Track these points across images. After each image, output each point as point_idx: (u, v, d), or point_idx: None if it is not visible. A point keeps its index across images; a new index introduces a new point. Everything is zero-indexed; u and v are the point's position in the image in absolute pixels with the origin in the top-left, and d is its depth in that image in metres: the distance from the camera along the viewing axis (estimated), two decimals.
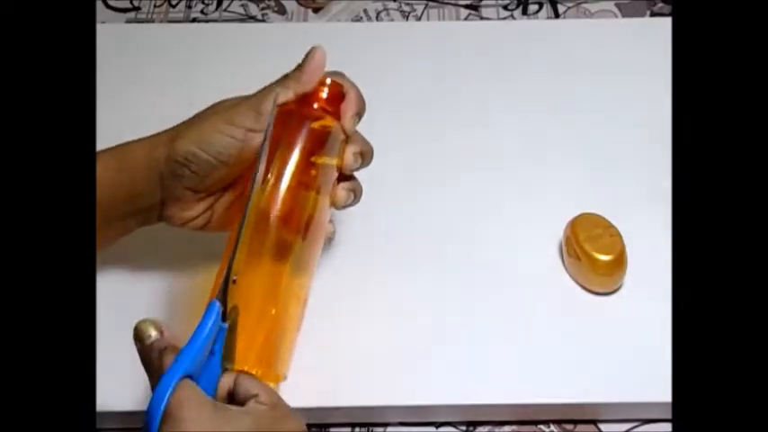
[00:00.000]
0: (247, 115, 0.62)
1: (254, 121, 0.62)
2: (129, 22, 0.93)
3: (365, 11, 0.95)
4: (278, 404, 0.56)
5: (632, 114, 0.83)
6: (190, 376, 0.54)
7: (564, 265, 0.72)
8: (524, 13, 0.95)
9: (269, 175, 0.63)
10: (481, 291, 0.71)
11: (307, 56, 0.64)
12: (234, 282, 0.57)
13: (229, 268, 0.57)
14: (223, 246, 0.64)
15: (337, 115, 0.65)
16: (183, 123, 0.64)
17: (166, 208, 0.65)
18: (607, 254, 0.70)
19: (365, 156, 0.66)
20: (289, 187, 0.63)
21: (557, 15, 0.95)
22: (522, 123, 0.82)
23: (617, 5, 0.95)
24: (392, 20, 0.94)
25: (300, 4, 0.96)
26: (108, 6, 0.95)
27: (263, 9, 0.95)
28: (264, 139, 0.61)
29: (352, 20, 0.94)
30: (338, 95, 0.65)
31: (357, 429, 0.68)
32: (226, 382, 0.57)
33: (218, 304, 0.56)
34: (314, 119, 0.64)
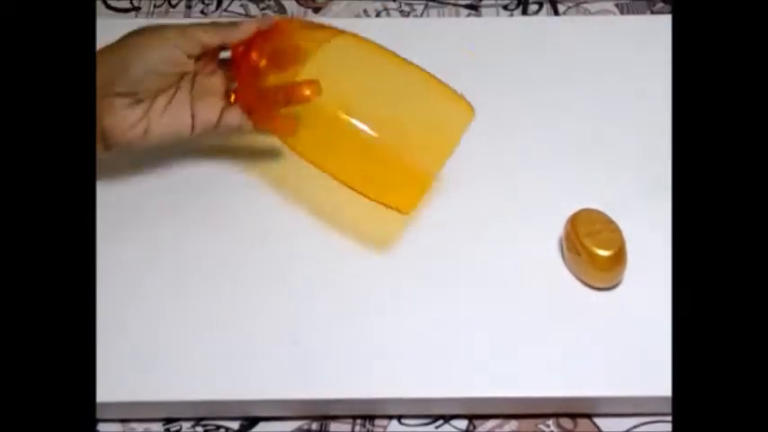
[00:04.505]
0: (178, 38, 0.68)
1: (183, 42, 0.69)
2: None
3: (365, 11, 0.95)
4: None
5: (632, 110, 0.83)
6: None
7: (564, 260, 0.73)
8: (524, 12, 0.95)
9: None
10: (482, 286, 0.71)
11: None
12: None
13: None
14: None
15: None
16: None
17: (103, 120, 0.68)
18: (607, 249, 0.70)
19: None
20: None
21: (557, 15, 0.95)
22: (523, 120, 0.82)
23: (617, 5, 0.96)
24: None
25: (300, 5, 0.96)
26: (108, 6, 0.96)
27: (262, 9, 0.96)
28: None
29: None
30: None
31: (358, 422, 0.68)
32: None
33: None
34: None
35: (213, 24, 0.71)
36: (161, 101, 0.70)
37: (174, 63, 0.69)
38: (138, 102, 0.69)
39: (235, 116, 0.72)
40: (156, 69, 0.68)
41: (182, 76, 0.70)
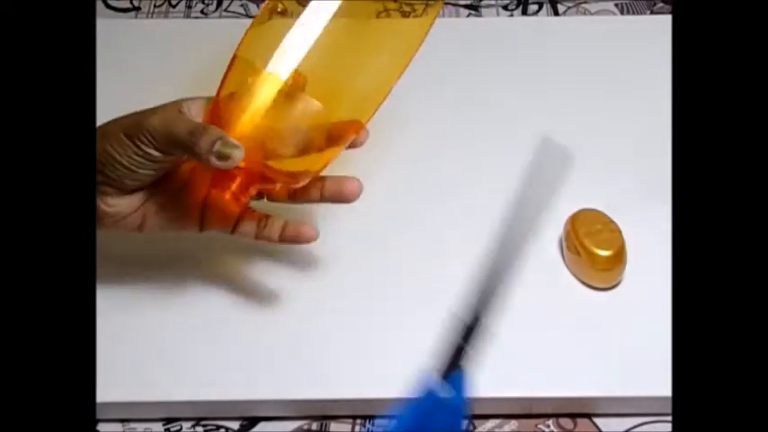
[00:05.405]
0: (155, 133, 0.59)
1: (160, 141, 0.59)
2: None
3: (366, 13, 0.94)
4: None
5: (632, 111, 0.83)
6: None
7: (564, 260, 0.73)
8: (524, 13, 0.95)
9: None
10: None
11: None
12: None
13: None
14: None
15: None
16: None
17: (98, 204, 0.62)
18: (607, 249, 0.70)
19: None
20: None
21: (557, 15, 0.95)
22: (523, 120, 0.83)
23: (617, 5, 0.96)
24: None
25: (300, 4, 0.96)
26: (108, 6, 0.96)
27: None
28: None
29: None
30: None
31: (358, 422, 0.68)
32: None
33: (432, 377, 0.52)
34: None
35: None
36: (163, 192, 0.63)
37: (147, 154, 0.60)
38: (132, 193, 0.62)
39: (251, 226, 0.65)
40: (134, 169, 0.60)
41: (170, 167, 0.62)
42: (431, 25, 0.66)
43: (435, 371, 0.52)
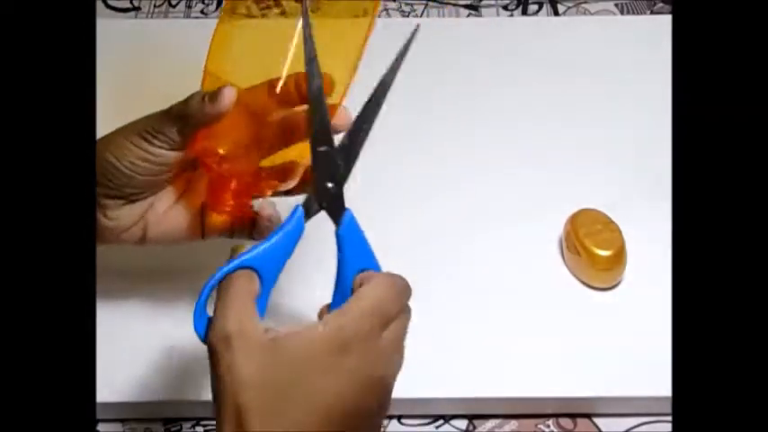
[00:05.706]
0: (160, 124, 0.60)
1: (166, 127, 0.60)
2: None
3: (365, 11, 0.94)
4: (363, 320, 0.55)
5: (632, 110, 0.83)
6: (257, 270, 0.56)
7: (564, 260, 0.73)
8: (524, 13, 0.95)
9: None
10: (482, 286, 0.72)
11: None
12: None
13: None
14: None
15: None
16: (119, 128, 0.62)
17: (98, 219, 0.61)
18: (607, 249, 0.70)
19: None
20: None
21: (557, 15, 0.95)
22: (523, 120, 0.83)
23: (617, 5, 0.96)
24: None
25: (298, 1, 0.96)
26: (108, 6, 0.96)
27: (262, 9, 0.95)
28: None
29: None
30: None
31: None
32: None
33: (300, 209, 0.57)
34: None
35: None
36: (162, 202, 0.63)
37: (149, 155, 0.60)
38: (132, 202, 0.62)
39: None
40: (137, 172, 0.60)
41: (176, 170, 0.62)
42: (372, 24, 0.67)
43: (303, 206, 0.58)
